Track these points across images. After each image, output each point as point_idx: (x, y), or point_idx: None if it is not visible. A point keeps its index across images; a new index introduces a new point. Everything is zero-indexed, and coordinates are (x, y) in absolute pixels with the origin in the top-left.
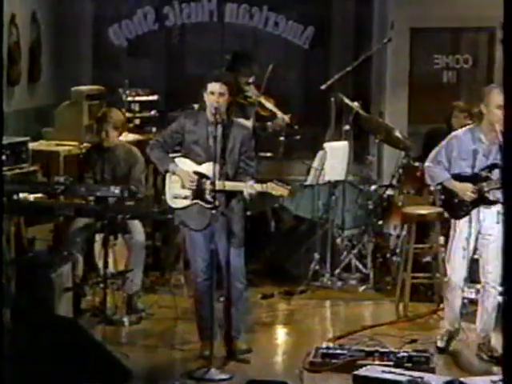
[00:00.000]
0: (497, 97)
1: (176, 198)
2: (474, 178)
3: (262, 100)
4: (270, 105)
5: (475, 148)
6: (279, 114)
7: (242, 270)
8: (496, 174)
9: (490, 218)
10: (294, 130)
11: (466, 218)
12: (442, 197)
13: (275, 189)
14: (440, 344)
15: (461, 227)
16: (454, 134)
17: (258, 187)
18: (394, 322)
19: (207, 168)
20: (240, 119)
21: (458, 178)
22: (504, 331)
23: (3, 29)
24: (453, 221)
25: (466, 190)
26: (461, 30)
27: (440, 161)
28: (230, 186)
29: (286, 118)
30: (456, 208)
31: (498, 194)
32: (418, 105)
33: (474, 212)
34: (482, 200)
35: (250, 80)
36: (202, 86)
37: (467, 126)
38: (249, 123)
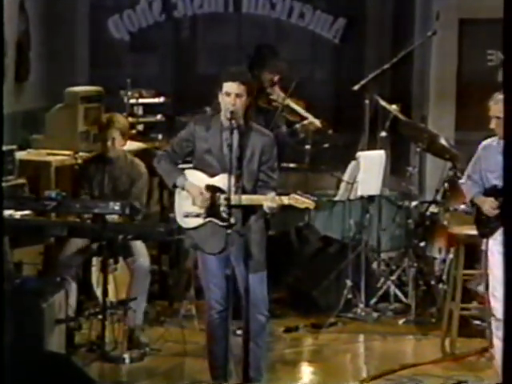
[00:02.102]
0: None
1: (187, 216)
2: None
3: (291, 103)
4: (299, 109)
5: (501, 158)
6: (311, 118)
7: (265, 300)
8: None
9: None
10: (323, 137)
11: (495, 238)
12: (475, 214)
13: (299, 201)
14: None
15: (491, 249)
16: (482, 144)
17: (280, 200)
18: (438, 360)
19: (221, 180)
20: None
21: (492, 192)
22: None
23: (3, 27)
24: (484, 241)
25: (486, 205)
26: None
27: (469, 175)
28: (247, 199)
29: (317, 122)
30: (482, 225)
31: None
32: (467, 108)
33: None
34: None
35: (275, 79)
36: (216, 85)
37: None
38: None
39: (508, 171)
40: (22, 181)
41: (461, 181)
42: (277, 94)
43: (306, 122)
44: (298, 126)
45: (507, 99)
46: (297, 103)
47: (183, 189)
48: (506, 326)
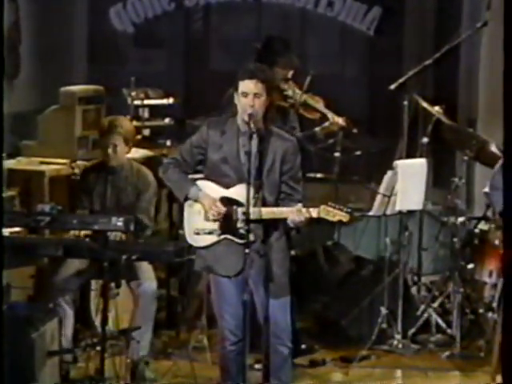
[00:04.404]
0: None
1: (198, 233)
2: None
3: (309, 100)
4: (318, 105)
5: None
6: (330, 115)
7: (288, 329)
8: None
9: None
10: (354, 142)
11: None
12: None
13: (331, 213)
14: None
15: None
16: None
17: (307, 212)
18: None
19: (238, 192)
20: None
21: None
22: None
23: (3, 26)
24: None
25: None
26: None
27: (495, 186)
28: (268, 213)
29: (341, 120)
30: None
31: None
32: None
33: None
34: None
35: (289, 75)
36: (232, 84)
37: None
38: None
39: (507, 171)
40: (11, 193)
41: (485, 189)
42: (292, 91)
43: (326, 123)
44: (317, 128)
45: (507, 99)
46: (315, 100)
47: (196, 201)
48: (505, 326)
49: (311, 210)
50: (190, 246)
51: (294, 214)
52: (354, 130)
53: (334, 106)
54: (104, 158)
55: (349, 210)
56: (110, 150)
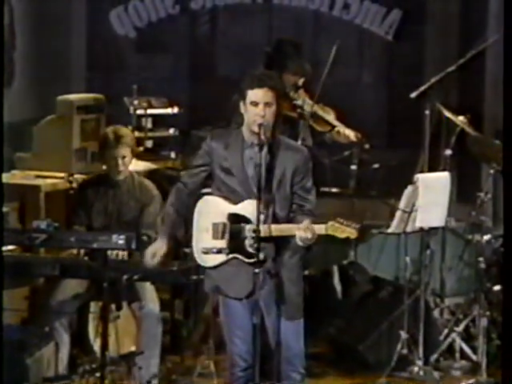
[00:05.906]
0: None
1: (206, 252)
2: None
3: (319, 111)
4: (329, 117)
5: None
6: (342, 129)
7: (301, 354)
8: None
9: None
10: (371, 156)
11: None
12: None
13: (338, 230)
14: None
15: None
16: None
17: (315, 228)
18: None
19: (246, 207)
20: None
21: None
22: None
23: (3, 29)
24: None
25: None
26: None
27: None
28: (277, 230)
29: (352, 135)
30: None
31: None
32: None
33: None
34: None
35: (300, 83)
36: (239, 92)
37: None
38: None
39: (507, 175)
40: (5, 209)
41: None
42: (302, 100)
43: (336, 129)
44: (327, 135)
45: (507, 102)
46: (326, 111)
47: None
48: (505, 325)
49: (318, 226)
50: (197, 265)
51: (300, 231)
52: (366, 146)
53: (349, 115)
54: (111, 171)
55: (357, 226)
56: (120, 162)
